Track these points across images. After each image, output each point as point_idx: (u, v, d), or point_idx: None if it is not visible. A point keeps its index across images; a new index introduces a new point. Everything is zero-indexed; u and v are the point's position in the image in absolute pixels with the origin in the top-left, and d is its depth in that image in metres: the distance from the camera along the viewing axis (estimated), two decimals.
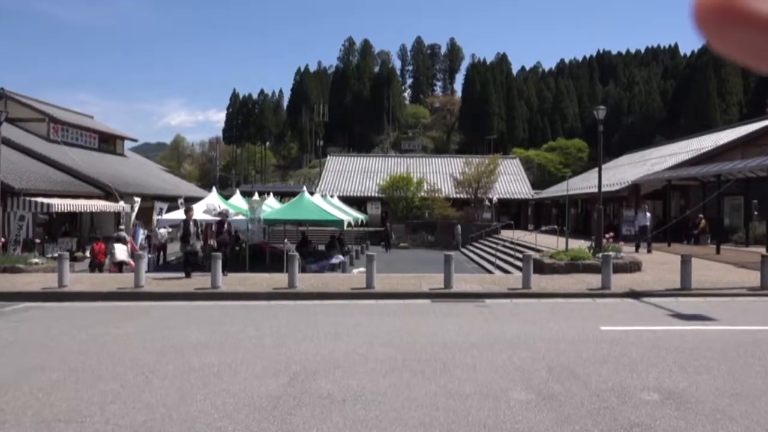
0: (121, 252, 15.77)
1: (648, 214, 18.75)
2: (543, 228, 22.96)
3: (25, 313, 9.21)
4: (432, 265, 17.96)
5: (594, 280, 11.64)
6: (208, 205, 18.05)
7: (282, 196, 40.15)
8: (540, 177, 67.72)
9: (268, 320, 8.46)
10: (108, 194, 22.10)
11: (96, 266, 15.02)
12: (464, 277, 13.37)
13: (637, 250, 16.82)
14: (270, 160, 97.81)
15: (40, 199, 17.99)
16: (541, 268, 13.27)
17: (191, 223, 12.59)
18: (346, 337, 7.21)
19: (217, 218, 17.81)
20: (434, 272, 13.58)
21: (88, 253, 16.77)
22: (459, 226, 30.72)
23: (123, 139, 34.11)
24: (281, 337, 7.23)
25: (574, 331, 7.49)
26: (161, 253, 19.93)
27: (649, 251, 17.05)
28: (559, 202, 34.77)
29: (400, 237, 29.98)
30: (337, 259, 18.50)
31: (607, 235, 14.44)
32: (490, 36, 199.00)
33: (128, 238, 17.97)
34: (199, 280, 11.90)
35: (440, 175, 42.59)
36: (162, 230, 19.67)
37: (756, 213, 19.81)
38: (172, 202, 23.01)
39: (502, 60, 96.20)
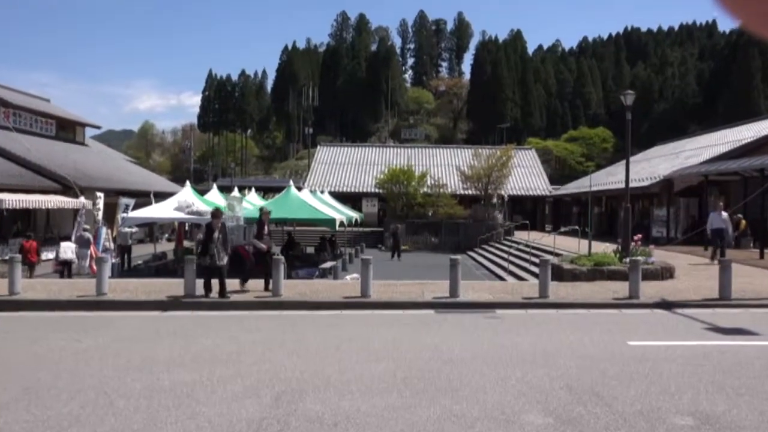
0: (66, 250, 15.80)
1: (724, 214, 16.61)
2: (562, 229, 22.99)
3: None
4: (436, 270, 17.95)
5: (620, 289, 11.63)
6: (181, 202, 18.01)
7: (265, 191, 40.15)
8: (559, 171, 67.89)
9: (249, 333, 8.45)
10: (66, 189, 22.03)
11: (27, 267, 14.84)
12: (473, 284, 13.37)
13: (713, 259, 15.71)
14: (252, 151, 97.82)
15: None
16: (560, 274, 13.26)
17: (218, 230, 11.10)
18: (337, 351, 7.19)
19: (192, 217, 17.86)
20: (438, 279, 13.56)
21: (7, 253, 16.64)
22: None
23: (84, 125, 34.03)
24: (264, 351, 7.21)
25: (598, 346, 7.50)
26: (126, 256, 19.89)
27: (719, 259, 13.63)
28: (580, 199, 34.85)
29: (391, 236, 29.97)
30: (328, 263, 18.50)
31: (635, 237, 14.46)
32: (502, 10, 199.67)
33: (92, 240, 17.96)
34: (173, 287, 11.88)
35: (445, 168, 42.61)
36: (127, 230, 19.62)
37: None
38: (139, 197, 22.96)
39: (516, 38, 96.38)
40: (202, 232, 11.24)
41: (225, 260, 11.08)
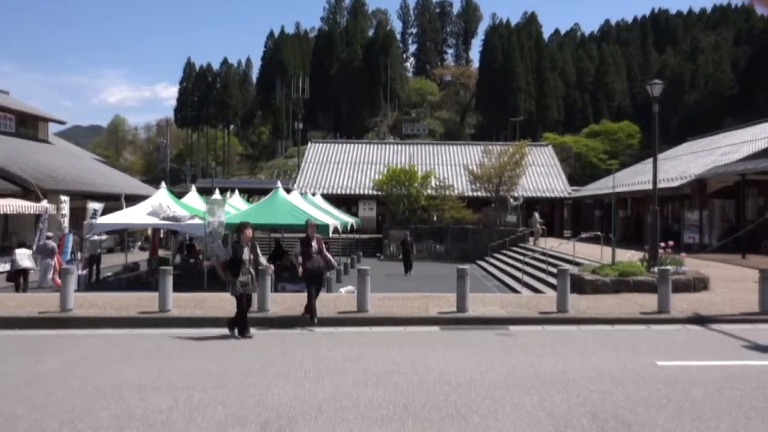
0: (22, 257, 15.76)
1: None
2: (583, 235, 22.95)
3: None
4: (441, 282, 17.95)
5: (648, 302, 11.63)
6: (155, 206, 18.02)
7: (250, 193, 40.20)
8: (579, 170, 68.00)
9: (233, 353, 8.43)
10: (27, 191, 22.02)
11: None
12: (483, 297, 13.36)
13: None
14: (235, 149, 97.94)
15: None
16: (580, 286, 13.26)
17: (247, 246, 9.89)
18: (331, 374, 7.17)
19: (167, 223, 17.84)
20: (444, 291, 13.57)
21: None
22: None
23: (47, 121, 34.05)
24: (249, 374, 7.19)
25: (623, 367, 7.48)
26: (94, 267, 19.88)
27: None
28: (603, 201, 34.88)
29: (399, 246, 29.95)
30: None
31: (664, 244, 14.46)
32: None
33: (56, 249, 17.95)
34: (146, 301, 11.85)
35: (452, 167, 42.70)
36: (96, 238, 19.62)
37: None
38: (109, 201, 22.95)
39: (531, 21, 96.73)
40: (226, 255, 9.93)
41: (255, 287, 10.13)
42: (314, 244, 10.72)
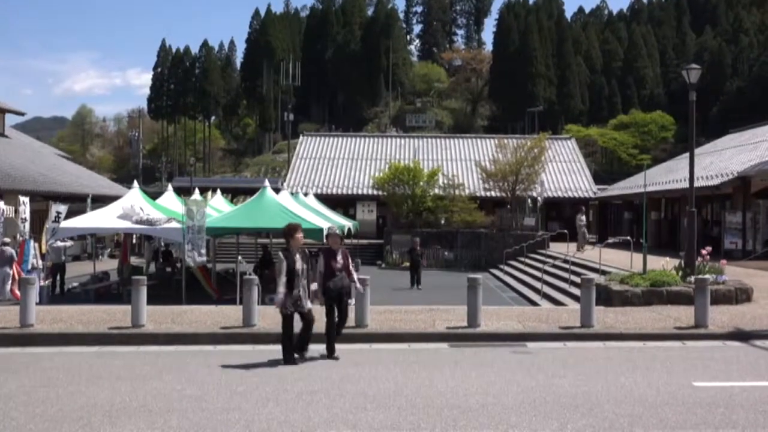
0: None
1: None
2: (610, 240, 22.95)
3: None
4: (450, 292, 17.95)
5: (684, 315, 11.65)
6: (126, 208, 18.04)
7: (234, 193, 40.23)
8: (606, 166, 68.09)
9: (215, 373, 8.44)
10: None
11: None
12: (497, 310, 13.37)
13: None
14: (217, 143, 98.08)
15: None
16: (607, 297, 13.27)
17: (299, 253, 9.27)
18: (326, 396, 7.20)
19: (140, 227, 17.87)
20: (453, 303, 13.58)
21: None
22: None
23: (3, 112, 34.11)
24: (233, 396, 7.21)
25: (656, 389, 7.50)
26: (59, 276, 19.90)
27: None
28: (633, 202, 34.87)
29: (404, 253, 29.98)
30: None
31: (702, 251, 14.48)
32: None
33: (15, 257, 17.96)
34: (117, 315, 11.87)
35: (462, 163, 42.71)
36: (60, 244, 19.64)
37: None
38: (75, 202, 23.00)
39: None
40: (280, 268, 9.07)
41: (309, 304, 9.41)
42: (339, 258, 9.68)
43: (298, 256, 9.15)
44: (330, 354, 9.38)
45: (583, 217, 28.99)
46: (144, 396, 7.24)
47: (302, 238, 9.56)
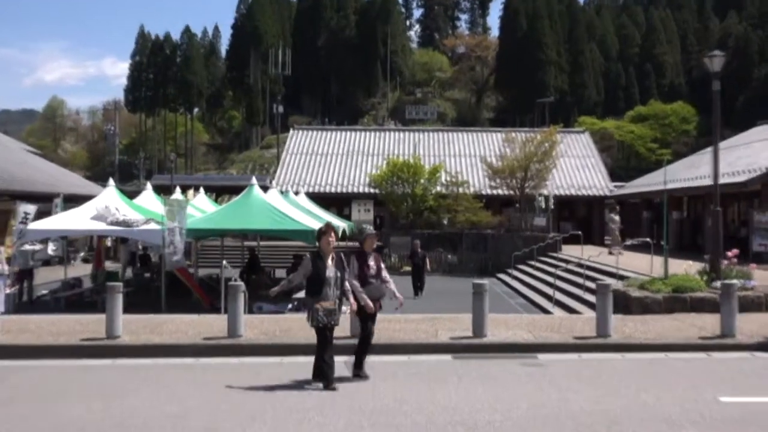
0: None
1: None
2: (628, 242, 22.90)
3: None
4: (454, 299, 17.89)
5: (709, 324, 11.63)
6: (101, 208, 17.97)
7: (218, 192, 40.18)
8: (623, 162, 68.11)
9: (196, 388, 8.41)
10: None
11: None
12: (505, 318, 13.36)
13: None
14: (200, 137, 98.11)
15: None
16: (626, 304, 13.29)
17: (331, 259, 8.76)
18: (319, 414, 7.15)
19: (116, 229, 17.76)
20: (457, 311, 13.54)
21: None
22: None
23: None
24: (216, 414, 7.17)
25: (679, 404, 7.45)
26: (26, 283, 19.81)
27: None
28: (652, 200, 34.84)
29: (404, 257, 29.90)
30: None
31: (729, 253, 14.43)
32: None
33: None
34: (90, 325, 11.77)
35: (466, 159, 42.68)
36: (28, 247, 19.54)
37: None
38: (44, 202, 22.89)
39: None
40: (305, 272, 8.65)
41: (339, 311, 8.78)
42: (372, 263, 9.25)
43: (330, 263, 8.64)
44: (358, 371, 8.98)
45: (617, 217, 28.09)
46: (120, 414, 7.21)
47: (334, 241, 8.96)
